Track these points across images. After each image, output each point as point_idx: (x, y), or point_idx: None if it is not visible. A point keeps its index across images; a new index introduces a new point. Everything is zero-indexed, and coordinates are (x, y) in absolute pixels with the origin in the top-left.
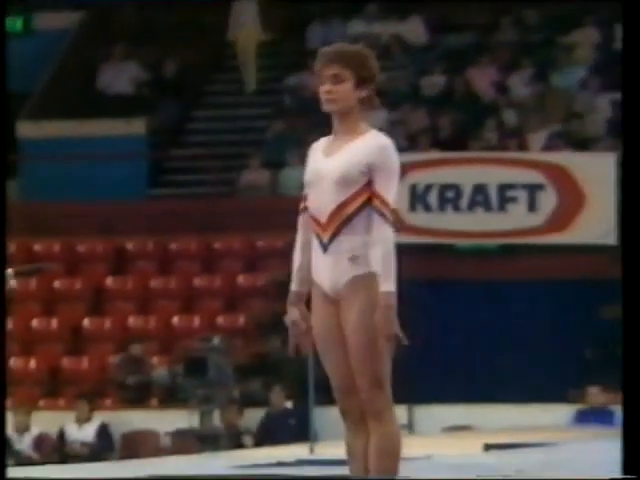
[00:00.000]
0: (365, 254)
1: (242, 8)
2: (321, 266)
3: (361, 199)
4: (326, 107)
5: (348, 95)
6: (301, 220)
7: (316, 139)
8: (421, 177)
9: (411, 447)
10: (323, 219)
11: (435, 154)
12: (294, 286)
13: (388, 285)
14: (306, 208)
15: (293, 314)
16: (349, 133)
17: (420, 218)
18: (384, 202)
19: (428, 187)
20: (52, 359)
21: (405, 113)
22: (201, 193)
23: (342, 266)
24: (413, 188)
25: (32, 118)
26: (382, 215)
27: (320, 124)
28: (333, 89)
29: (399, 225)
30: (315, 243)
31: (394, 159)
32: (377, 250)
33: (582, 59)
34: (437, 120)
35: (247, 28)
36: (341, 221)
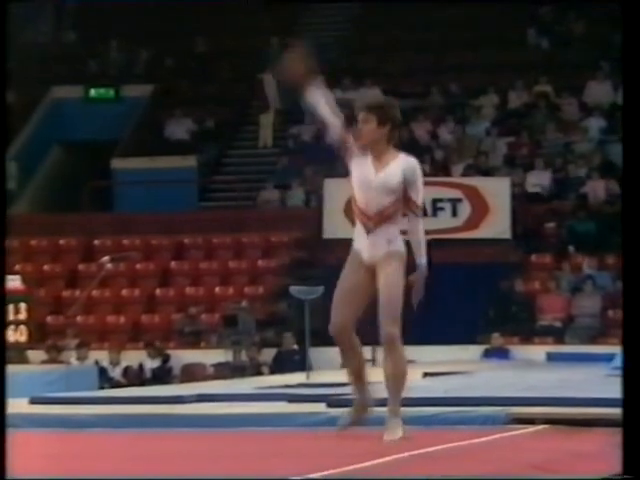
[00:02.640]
0: (395, 237)
1: (265, 83)
2: (363, 242)
3: (398, 203)
4: (358, 140)
5: (372, 132)
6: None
7: (310, 171)
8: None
9: (375, 375)
10: (371, 214)
11: None
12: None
13: (423, 259)
14: (343, 131)
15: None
16: (383, 157)
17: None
18: (415, 204)
19: None
20: (134, 316)
21: None
22: (233, 205)
23: (380, 245)
24: None
25: (121, 156)
26: (414, 212)
27: (313, 161)
28: (361, 128)
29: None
30: (359, 226)
31: (419, 173)
32: (413, 237)
33: (486, 115)
34: None
35: (269, 103)
36: (383, 218)
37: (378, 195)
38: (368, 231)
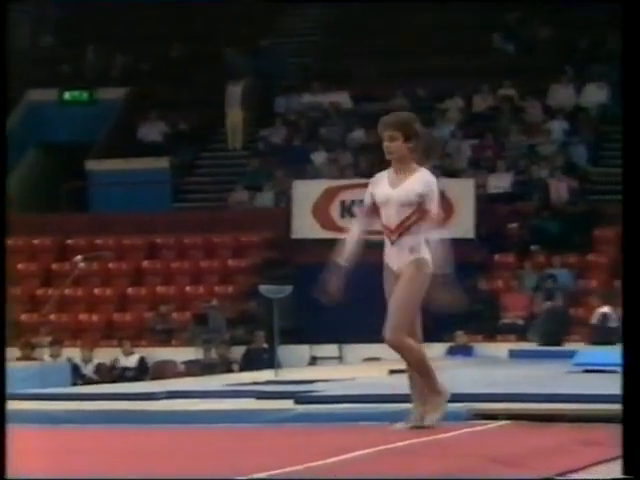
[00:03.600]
0: (418, 246)
1: (231, 91)
2: (390, 254)
3: (416, 215)
4: (387, 157)
5: (400, 148)
6: (359, 215)
7: (280, 172)
8: (348, 196)
9: (341, 372)
10: (392, 227)
11: (357, 180)
12: (340, 260)
13: (444, 269)
14: (370, 212)
15: (332, 283)
16: (405, 171)
17: (346, 222)
18: (430, 214)
19: (352, 202)
20: (107, 314)
21: (337, 154)
22: (205, 206)
23: (404, 254)
24: (342, 203)
25: (96, 158)
26: (430, 222)
27: (282, 163)
28: (390, 145)
29: (442, 225)
30: (386, 240)
31: (435, 187)
32: (433, 248)
33: (452, 119)
34: (358, 159)
35: (235, 108)
36: (404, 229)
37: (397, 210)
38: (392, 242)
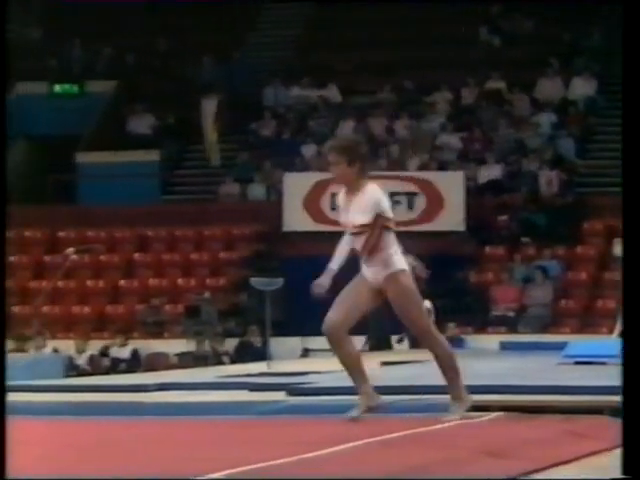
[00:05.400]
0: (389, 259)
1: (205, 105)
2: (365, 271)
3: (376, 231)
4: (334, 182)
5: (344, 172)
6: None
7: (269, 165)
8: (338, 188)
9: (333, 364)
10: (359, 250)
11: None
12: (331, 264)
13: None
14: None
15: (323, 280)
16: (353, 192)
17: (338, 215)
18: (388, 220)
19: None
20: (99, 307)
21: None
22: (195, 199)
23: (378, 270)
24: (333, 196)
25: (85, 150)
26: (389, 227)
27: (271, 155)
28: (333, 169)
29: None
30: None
31: (383, 203)
32: (390, 249)
33: (441, 111)
34: None
35: (210, 122)
36: (369, 249)
37: (356, 236)
38: (364, 262)
